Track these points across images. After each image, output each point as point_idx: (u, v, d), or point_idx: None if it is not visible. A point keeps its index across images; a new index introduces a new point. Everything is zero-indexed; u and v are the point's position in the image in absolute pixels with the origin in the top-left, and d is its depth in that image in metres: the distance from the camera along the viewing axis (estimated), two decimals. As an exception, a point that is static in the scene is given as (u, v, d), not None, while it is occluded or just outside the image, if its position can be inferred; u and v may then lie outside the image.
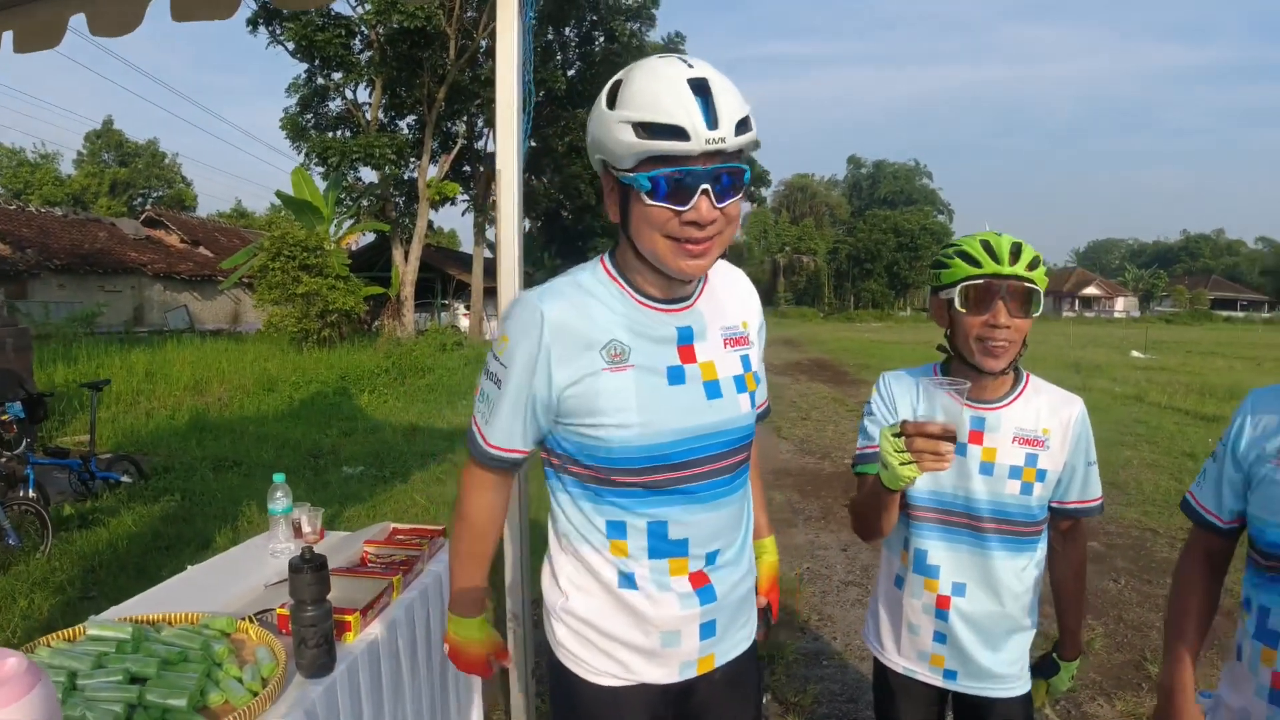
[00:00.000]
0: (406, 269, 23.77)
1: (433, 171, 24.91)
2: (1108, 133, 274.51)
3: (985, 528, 1.88)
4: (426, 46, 22.47)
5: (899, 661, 2.03)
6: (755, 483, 1.90)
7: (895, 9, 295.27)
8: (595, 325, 1.49)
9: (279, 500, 2.70)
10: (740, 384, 1.62)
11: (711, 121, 1.32)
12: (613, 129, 1.37)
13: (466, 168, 28.01)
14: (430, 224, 27.19)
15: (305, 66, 23.52)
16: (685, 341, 1.55)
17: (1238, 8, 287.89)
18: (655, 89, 1.34)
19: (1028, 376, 1.95)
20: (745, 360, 1.65)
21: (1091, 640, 4.42)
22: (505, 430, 1.54)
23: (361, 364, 15.07)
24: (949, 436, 1.52)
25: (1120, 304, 77.86)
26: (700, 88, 1.33)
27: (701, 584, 1.59)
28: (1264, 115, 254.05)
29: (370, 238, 29.74)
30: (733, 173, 1.38)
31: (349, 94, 24.32)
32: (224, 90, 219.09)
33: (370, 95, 24.33)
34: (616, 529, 1.55)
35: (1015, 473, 1.86)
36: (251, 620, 2.05)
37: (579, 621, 1.61)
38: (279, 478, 2.71)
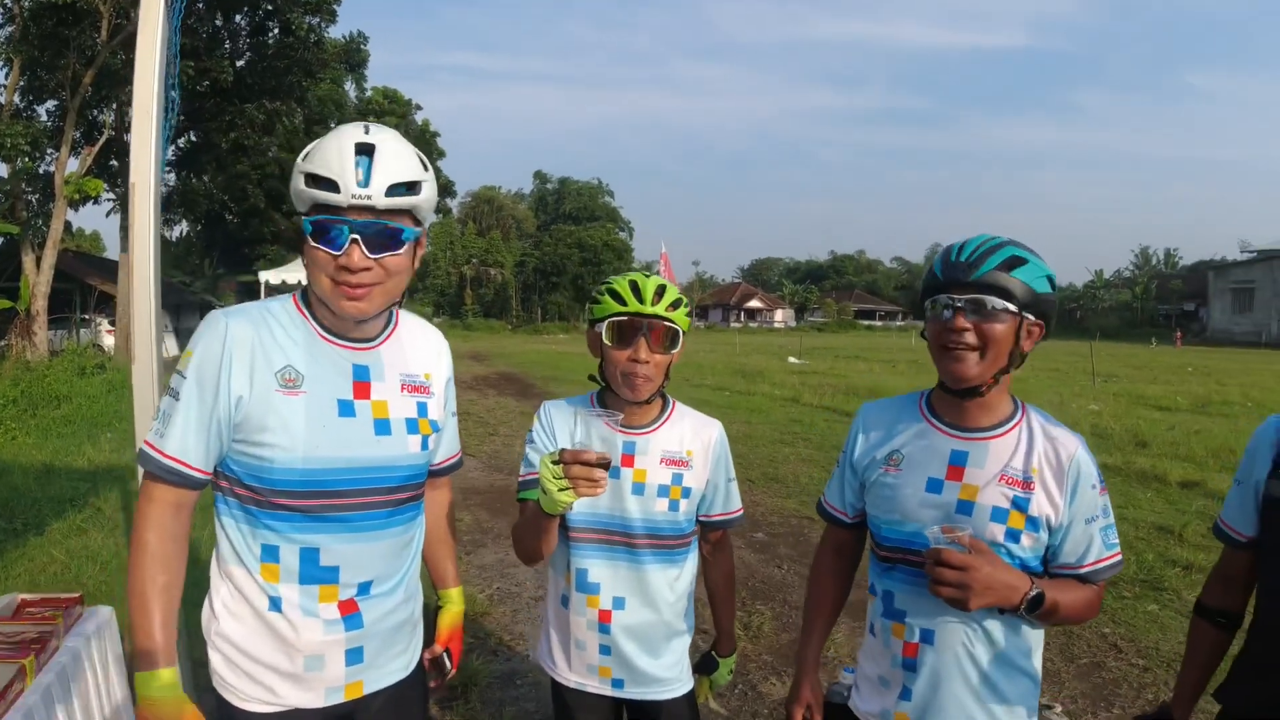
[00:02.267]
0: (39, 278, 20.56)
1: (73, 165, 21.83)
2: (769, 163, 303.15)
3: (639, 544, 2.06)
4: (75, 24, 19.65)
5: (570, 677, 2.14)
6: (446, 533, 2.07)
7: (581, 34, 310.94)
8: (275, 348, 1.62)
9: None
10: (412, 426, 1.75)
11: (365, 181, 1.53)
12: (296, 178, 1.58)
13: (114, 162, 24.88)
14: (69, 226, 23.92)
15: (-67, 42, 19.71)
16: (361, 379, 1.69)
17: (881, 63, 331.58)
18: (328, 147, 1.55)
19: (674, 403, 2.16)
20: (421, 407, 1.79)
21: (761, 624, 4.87)
22: (180, 442, 1.57)
23: (-18, 393, 12.80)
24: (604, 464, 1.67)
25: (779, 315, 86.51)
26: (365, 150, 1.54)
27: (349, 611, 1.68)
28: (898, 154, 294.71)
29: (-5, 242, 25.40)
30: (388, 229, 1.57)
31: (-19, 74, 20.73)
32: None
33: (6, 77, 20.90)
34: (270, 553, 1.63)
35: (664, 491, 2.06)
36: None
37: (229, 646, 1.66)
38: None
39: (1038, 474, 1.69)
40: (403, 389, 1.75)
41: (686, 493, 2.08)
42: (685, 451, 2.09)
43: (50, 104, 22.90)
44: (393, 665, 1.80)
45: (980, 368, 1.64)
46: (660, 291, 1.99)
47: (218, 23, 24.90)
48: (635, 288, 1.99)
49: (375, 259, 1.56)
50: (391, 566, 1.75)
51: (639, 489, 2.04)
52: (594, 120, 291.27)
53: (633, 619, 2.07)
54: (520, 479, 2.10)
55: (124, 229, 24.73)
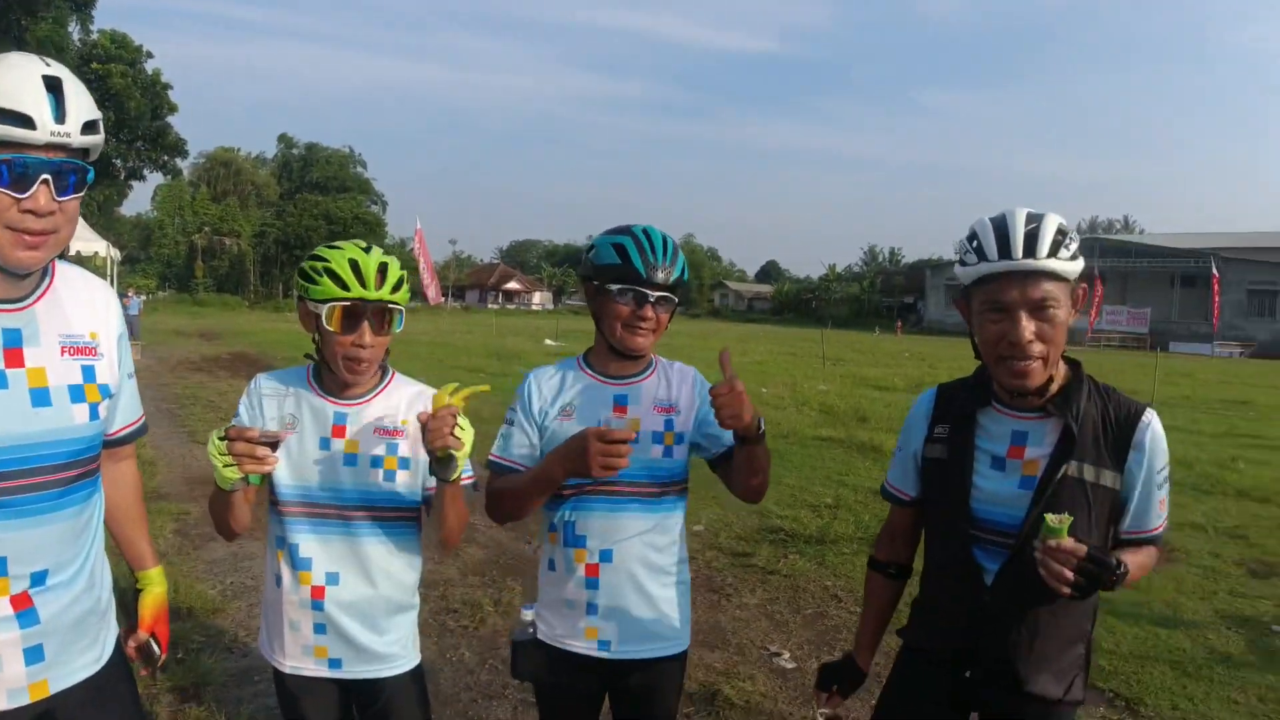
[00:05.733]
0: None
1: None
2: (533, 145, 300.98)
3: (354, 516, 1.99)
4: None
5: (287, 663, 2.05)
6: (136, 509, 1.94)
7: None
8: None
9: None
10: (77, 394, 1.59)
11: (59, 117, 1.41)
12: None
13: None
14: None
15: None
16: (11, 344, 1.52)
17: (648, 55, 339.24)
18: (9, 78, 1.40)
19: (392, 373, 2.12)
20: (88, 371, 1.62)
21: (512, 599, 4.84)
22: None
23: None
24: (270, 442, 1.72)
25: (538, 297, 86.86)
26: (53, 85, 1.42)
27: (23, 607, 1.53)
28: (661, 143, 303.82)
29: None
30: (76, 170, 1.47)
31: None
32: None
33: None
34: None
35: (378, 462, 2.00)
36: None
37: None
38: None
39: (677, 398, 2.15)
40: (63, 352, 1.59)
41: (404, 464, 2.03)
42: (401, 421, 2.04)
43: None
44: (80, 661, 1.65)
45: (654, 340, 2.10)
46: (383, 271, 1.92)
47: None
48: (357, 269, 1.90)
49: (60, 201, 1.45)
50: (68, 553, 1.60)
51: (351, 460, 1.99)
52: (351, 85, 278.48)
53: (348, 594, 2.00)
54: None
55: None
